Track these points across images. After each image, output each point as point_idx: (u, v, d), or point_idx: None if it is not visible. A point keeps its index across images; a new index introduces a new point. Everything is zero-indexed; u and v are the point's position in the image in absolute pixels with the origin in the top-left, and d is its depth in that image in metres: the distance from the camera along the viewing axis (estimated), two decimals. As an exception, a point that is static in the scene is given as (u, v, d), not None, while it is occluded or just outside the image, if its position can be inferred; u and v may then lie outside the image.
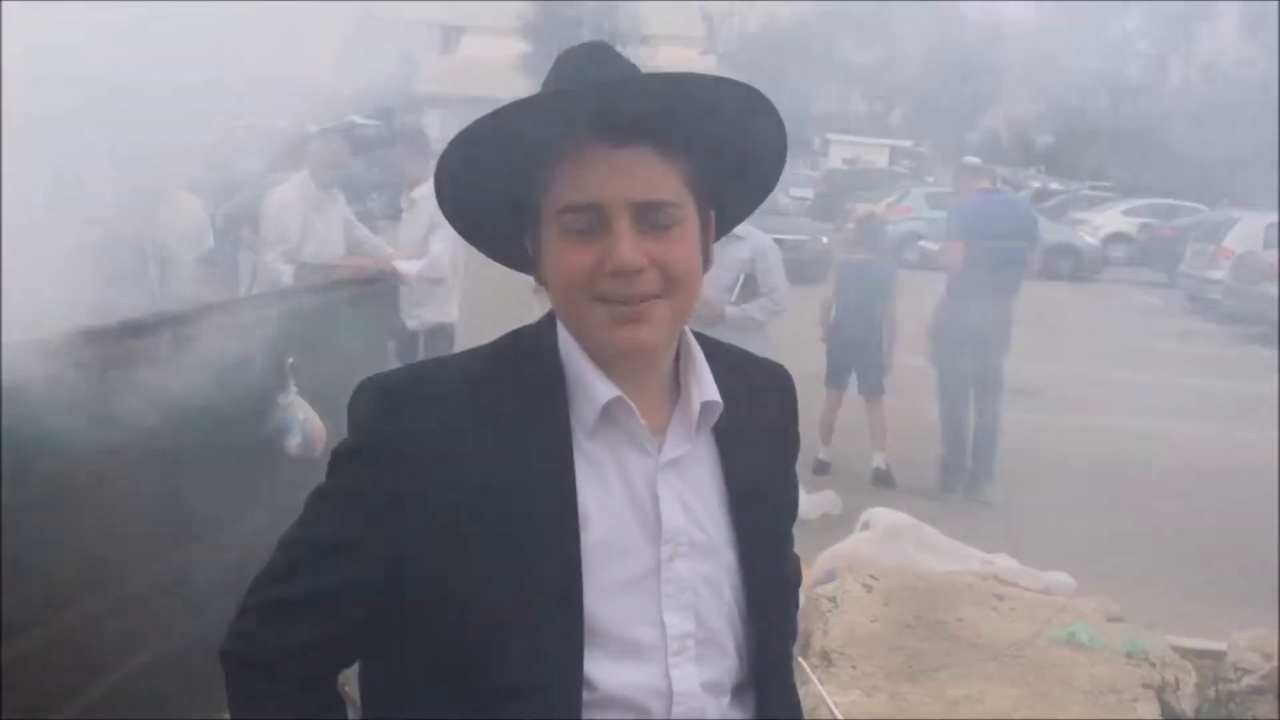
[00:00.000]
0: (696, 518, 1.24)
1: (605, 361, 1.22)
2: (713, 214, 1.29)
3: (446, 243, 5.66)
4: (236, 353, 3.43)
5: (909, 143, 39.31)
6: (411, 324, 5.95)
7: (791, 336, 7.88)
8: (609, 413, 1.21)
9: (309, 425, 3.64)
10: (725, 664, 1.25)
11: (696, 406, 1.25)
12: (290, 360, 3.67)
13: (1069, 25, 51.70)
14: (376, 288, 5.31)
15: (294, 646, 1.19)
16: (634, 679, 1.18)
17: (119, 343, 3.09)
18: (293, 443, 3.62)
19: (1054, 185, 34.53)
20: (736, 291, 5.92)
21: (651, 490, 1.22)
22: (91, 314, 3.19)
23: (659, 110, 1.16)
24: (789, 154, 1.33)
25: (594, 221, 1.17)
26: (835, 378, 7.58)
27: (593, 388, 1.21)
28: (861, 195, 20.19)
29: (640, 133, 1.17)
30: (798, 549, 1.49)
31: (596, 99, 1.15)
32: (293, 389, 3.67)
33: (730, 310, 5.90)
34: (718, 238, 1.32)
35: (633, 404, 1.21)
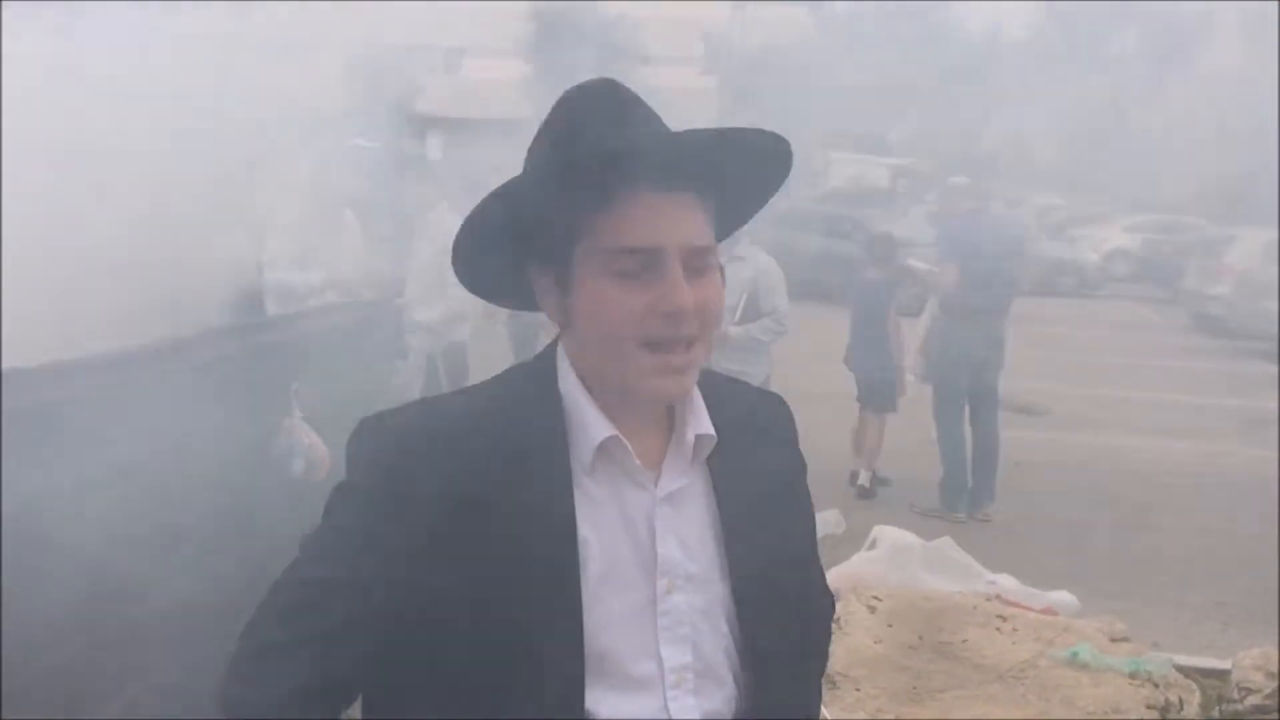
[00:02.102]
0: (691, 551, 1.25)
1: (604, 398, 1.24)
2: None
3: None
4: (240, 376, 3.44)
5: (910, 161, 39.37)
6: (426, 346, 5.99)
7: (801, 355, 7.93)
8: (605, 449, 1.23)
9: (313, 450, 3.65)
10: (724, 695, 1.25)
11: (691, 439, 1.27)
12: (294, 385, 3.69)
13: (1069, 41, 51.96)
14: (379, 311, 5.34)
15: (293, 690, 1.17)
16: (633, 711, 1.18)
17: (125, 367, 3.10)
18: (296, 467, 3.63)
19: (1055, 201, 34.56)
20: (739, 312, 5.95)
21: (649, 525, 1.23)
22: (104, 337, 3.21)
23: (705, 165, 1.21)
24: (792, 173, 1.37)
25: (649, 265, 1.19)
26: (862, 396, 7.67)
27: (590, 425, 1.23)
28: (868, 214, 20.18)
29: (688, 180, 1.21)
30: None
31: (660, 153, 1.19)
32: (296, 413, 3.68)
33: (734, 331, 5.93)
34: None
35: (627, 442, 1.23)
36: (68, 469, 2.64)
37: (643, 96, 1.31)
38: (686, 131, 1.22)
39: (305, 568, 1.22)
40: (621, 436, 1.22)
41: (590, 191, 1.19)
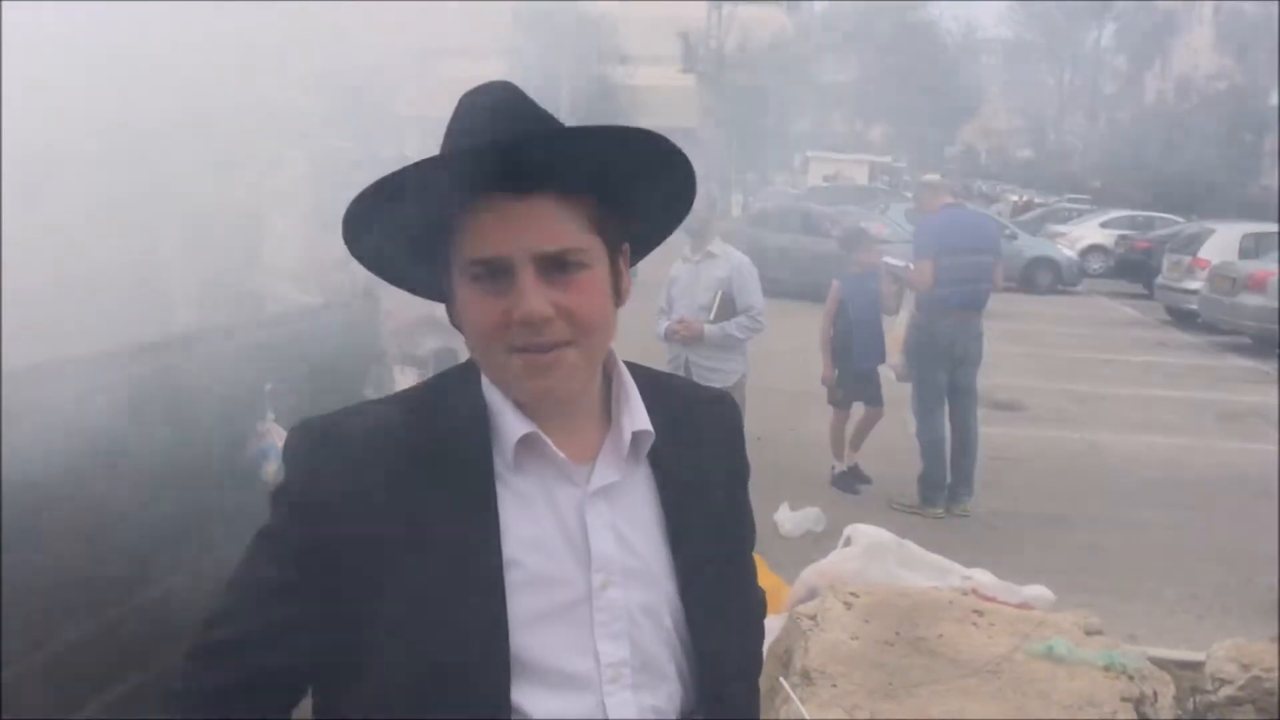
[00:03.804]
0: (631, 546, 1.25)
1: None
2: (626, 247, 1.30)
3: None
4: (216, 379, 3.43)
5: (888, 158, 39.58)
6: (419, 351, 5.99)
7: (781, 353, 7.94)
8: (531, 446, 1.23)
9: (288, 452, 3.64)
10: (666, 690, 1.25)
11: (627, 436, 1.27)
12: (268, 387, 3.68)
13: (1046, 41, 52.39)
14: (356, 314, 5.31)
15: (238, 687, 1.20)
16: (568, 708, 1.18)
17: (111, 368, 3.10)
18: (270, 469, 3.62)
19: (1031, 198, 34.83)
20: (714, 310, 5.96)
21: (580, 520, 1.23)
22: (96, 338, 3.20)
23: (558, 165, 1.17)
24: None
25: (499, 273, 1.18)
26: (845, 397, 7.65)
27: (508, 424, 1.23)
28: (847, 211, 20.26)
29: (541, 183, 1.18)
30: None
31: (494, 158, 1.15)
32: (270, 416, 3.67)
33: (709, 328, 5.94)
34: (635, 262, 1.34)
35: (547, 438, 1.23)
36: (47, 468, 2.63)
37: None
38: (519, 136, 1.19)
39: (247, 567, 1.24)
40: (540, 433, 1.22)
41: (437, 203, 1.18)
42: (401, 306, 5.79)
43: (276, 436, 3.63)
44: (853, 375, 7.54)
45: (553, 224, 1.18)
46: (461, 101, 1.26)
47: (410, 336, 5.89)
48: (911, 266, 7.29)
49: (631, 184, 1.24)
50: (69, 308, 3.67)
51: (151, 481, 3.04)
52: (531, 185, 1.17)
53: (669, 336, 6.06)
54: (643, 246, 1.37)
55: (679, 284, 6.12)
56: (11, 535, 2.52)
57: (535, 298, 1.17)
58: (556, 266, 1.18)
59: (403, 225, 1.22)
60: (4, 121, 3.09)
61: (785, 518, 6.42)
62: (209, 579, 3.20)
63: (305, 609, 1.19)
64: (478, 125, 1.21)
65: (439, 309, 1.32)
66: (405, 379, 5.41)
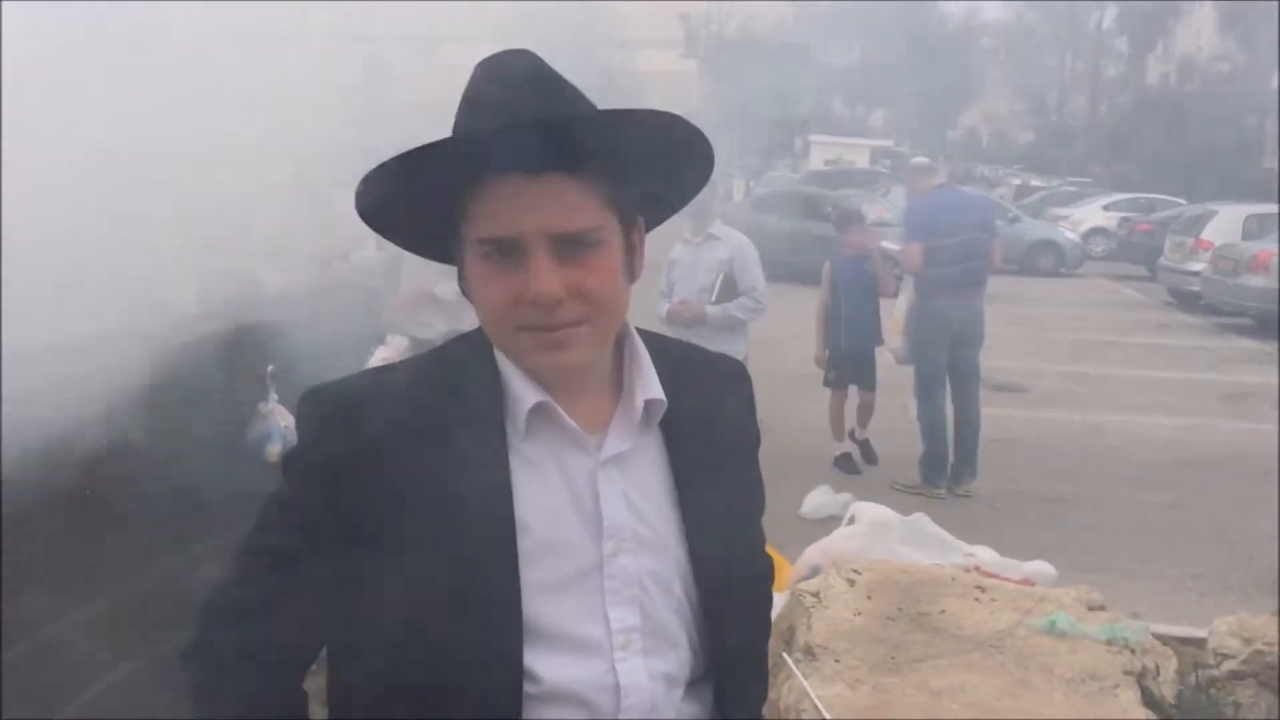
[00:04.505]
0: (641, 514, 1.25)
1: None
2: (641, 223, 1.29)
3: None
4: (220, 361, 3.44)
5: (889, 142, 39.50)
6: (429, 334, 6.00)
7: (776, 335, 7.93)
8: (543, 415, 1.23)
9: (290, 433, 3.65)
10: (677, 657, 1.25)
11: (639, 405, 1.27)
12: (270, 368, 3.69)
13: (1047, 24, 52.21)
14: (360, 295, 5.32)
15: (250, 648, 1.21)
16: (580, 674, 1.19)
17: (115, 352, 3.11)
18: (274, 450, 3.63)
19: (1034, 182, 34.75)
20: (716, 291, 5.97)
21: (592, 488, 1.23)
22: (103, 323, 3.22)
23: (576, 147, 1.16)
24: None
25: (512, 251, 1.17)
26: (837, 379, 7.64)
27: (520, 392, 1.23)
28: (849, 195, 20.20)
29: (556, 163, 1.16)
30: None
31: (512, 140, 1.14)
32: (273, 397, 3.69)
33: (711, 310, 5.95)
34: (649, 230, 1.33)
35: (558, 407, 1.23)
36: (45, 450, 2.63)
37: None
38: (536, 122, 1.17)
39: (259, 532, 1.25)
40: (552, 401, 1.22)
41: (452, 180, 1.18)
42: (408, 291, 5.80)
43: (280, 418, 3.65)
44: (844, 357, 7.53)
45: (567, 204, 1.17)
46: (479, 69, 1.25)
47: (417, 320, 5.90)
48: (899, 248, 7.27)
49: (650, 166, 1.24)
50: (70, 291, 3.67)
51: (148, 463, 3.05)
52: (543, 164, 1.16)
53: (671, 318, 6.07)
54: (654, 220, 1.36)
55: (680, 266, 6.12)
56: (31, 514, 2.53)
57: (548, 280, 1.16)
58: (569, 245, 1.18)
59: (417, 201, 1.21)
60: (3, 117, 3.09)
61: (815, 501, 6.37)
62: (212, 561, 3.22)
63: (317, 573, 1.19)
64: (496, 100, 1.20)
65: (447, 293, 1.31)
66: (391, 349, 5.41)
